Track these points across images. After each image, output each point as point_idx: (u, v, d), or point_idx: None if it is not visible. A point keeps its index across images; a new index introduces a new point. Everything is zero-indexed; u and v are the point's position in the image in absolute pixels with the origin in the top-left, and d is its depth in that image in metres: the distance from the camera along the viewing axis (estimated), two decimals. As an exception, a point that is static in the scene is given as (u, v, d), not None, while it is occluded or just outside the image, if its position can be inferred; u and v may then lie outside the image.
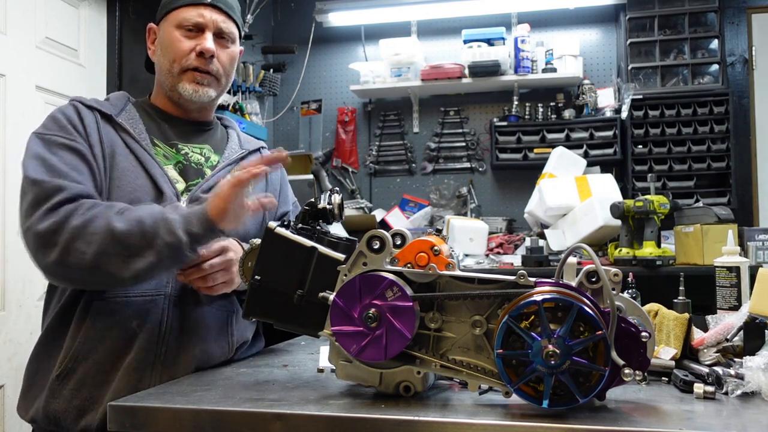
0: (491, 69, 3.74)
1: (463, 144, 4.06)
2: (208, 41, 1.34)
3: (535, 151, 3.72)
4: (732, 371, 0.99)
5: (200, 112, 1.44)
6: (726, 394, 0.95)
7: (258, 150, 1.51)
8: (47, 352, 1.25)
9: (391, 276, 0.93)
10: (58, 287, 1.28)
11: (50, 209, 1.15)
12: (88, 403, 1.19)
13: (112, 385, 1.19)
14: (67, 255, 1.12)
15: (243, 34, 1.47)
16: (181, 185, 1.32)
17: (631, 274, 1.98)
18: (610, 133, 3.62)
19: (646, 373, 0.89)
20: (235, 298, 1.35)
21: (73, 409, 1.19)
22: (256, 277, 1.01)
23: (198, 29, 1.35)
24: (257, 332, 1.46)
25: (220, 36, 1.37)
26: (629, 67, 3.62)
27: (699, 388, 0.95)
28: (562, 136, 3.69)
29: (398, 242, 0.99)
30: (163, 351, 1.22)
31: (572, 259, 0.98)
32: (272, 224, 1.02)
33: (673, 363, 1.08)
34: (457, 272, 0.95)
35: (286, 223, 1.04)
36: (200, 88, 1.36)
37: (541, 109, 3.83)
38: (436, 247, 0.95)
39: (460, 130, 4.08)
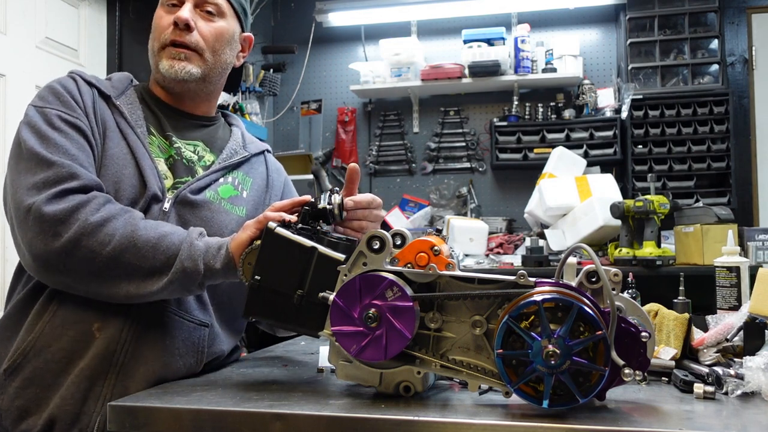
0: (491, 69, 3.74)
1: (463, 144, 4.07)
2: (183, 10, 1.25)
3: (535, 151, 3.72)
4: (732, 371, 0.99)
5: (193, 100, 1.34)
6: (726, 394, 0.95)
7: (262, 153, 1.43)
8: (3, 341, 1.16)
9: (391, 276, 0.93)
10: (25, 272, 1.17)
11: (60, 194, 1.07)
12: (32, 405, 1.10)
13: (60, 390, 1.09)
14: (75, 249, 1.05)
15: (245, 16, 1.38)
16: (169, 181, 1.23)
17: (631, 274, 1.98)
18: (610, 133, 3.62)
19: (646, 373, 0.89)
20: (212, 311, 1.24)
21: (15, 409, 1.10)
22: (256, 277, 1.01)
23: (180, 2, 1.27)
24: (236, 345, 1.36)
25: (203, 8, 1.28)
26: (629, 67, 3.62)
27: (699, 388, 0.95)
28: (562, 136, 3.70)
29: (398, 242, 0.99)
30: (119, 361, 1.11)
31: (572, 259, 0.97)
32: (272, 224, 1.02)
33: (673, 363, 1.08)
34: (457, 272, 0.95)
35: (286, 223, 1.04)
36: (176, 63, 1.26)
37: (541, 109, 3.83)
38: (436, 247, 0.95)
39: (460, 130, 4.08)
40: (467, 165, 4.05)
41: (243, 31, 1.38)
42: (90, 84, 1.24)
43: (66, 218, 1.06)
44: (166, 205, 1.19)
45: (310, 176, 3.71)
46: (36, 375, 1.11)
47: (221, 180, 1.30)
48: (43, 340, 1.11)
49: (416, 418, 0.84)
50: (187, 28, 1.25)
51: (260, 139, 1.52)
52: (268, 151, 1.47)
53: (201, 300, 1.22)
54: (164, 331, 1.16)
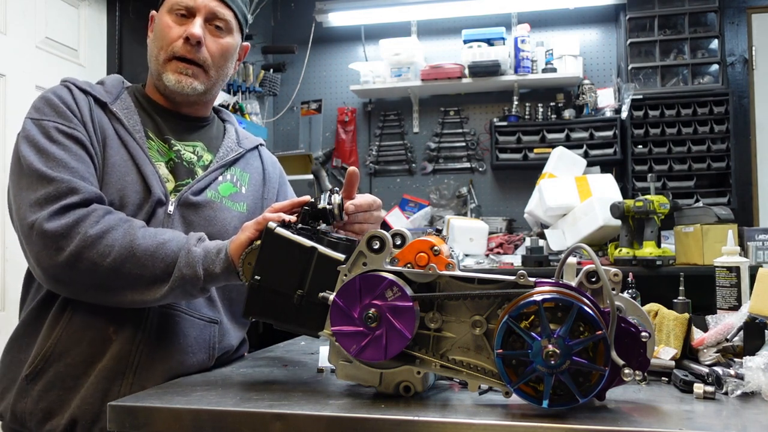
0: (491, 69, 3.74)
1: (463, 144, 4.07)
2: (195, 26, 1.25)
3: (535, 151, 3.72)
4: (732, 371, 0.99)
5: (192, 107, 1.35)
6: (726, 394, 0.95)
7: (256, 147, 1.45)
8: (20, 348, 1.20)
9: (391, 276, 0.93)
10: (35, 279, 1.21)
11: (61, 210, 1.09)
12: (55, 407, 1.14)
13: (81, 391, 1.14)
14: (78, 262, 1.07)
15: (246, 27, 1.40)
16: (170, 184, 1.26)
17: (631, 274, 1.98)
18: (610, 133, 3.62)
19: (646, 373, 0.89)
20: (220, 307, 1.28)
21: (39, 411, 1.15)
22: (256, 277, 1.01)
23: (190, 14, 1.27)
24: (243, 338, 1.40)
25: (212, 23, 1.29)
26: (629, 67, 3.62)
27: (699, 388, 0.95)
28: (562, 136, 3.70)
29: (398, 242, 0.99)
30: (136, 361, 1.16)
31: (572, 259, 0.97)
32: (272, 224, 1.02)
33: (673, 363, 1.08)
34: (457, 272, 0.95)
35: (285, 223, 1.04)
36: (183, 79, 1.27)
37: (541, 109, 3.83)
38: (436, 247, 0.95)
39: (460, 130, 4.08)
40: (467, 165, 4.05)
41: (242, 40, 1.40)
42: (85, 92, 1.24)
43: (67, 233, 1.08)
44: (170, 208, 1.22)
45: (310, 176, 3.71)
46: (58, 378, 1.15)
47: (220, 178, 1.32)
48: (62, 346, 1.16)
49: (416, 418, 0.84)
50: (198, 44, 1.26)
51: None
52: (261, 145, 1.49)
53: (210, 297, 1.26)
54: (177, 330, 1.20)
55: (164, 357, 1.18)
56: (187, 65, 1.27)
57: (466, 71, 3.81)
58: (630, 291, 1.92)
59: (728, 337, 1.13)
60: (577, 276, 0.94)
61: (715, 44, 3.58)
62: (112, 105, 1.26)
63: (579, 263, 0.98)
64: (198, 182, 1.27)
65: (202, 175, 1.29)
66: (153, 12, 1.35)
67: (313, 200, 1.09)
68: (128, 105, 1.29)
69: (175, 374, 1.18)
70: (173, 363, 1.19)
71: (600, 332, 0.84)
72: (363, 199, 1.17)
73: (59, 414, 1.14)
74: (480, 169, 4.04)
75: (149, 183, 1.21)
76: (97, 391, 1.14)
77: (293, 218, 1.06)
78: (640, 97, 3.53)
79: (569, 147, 3.57)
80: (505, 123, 3.83)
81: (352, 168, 1.18)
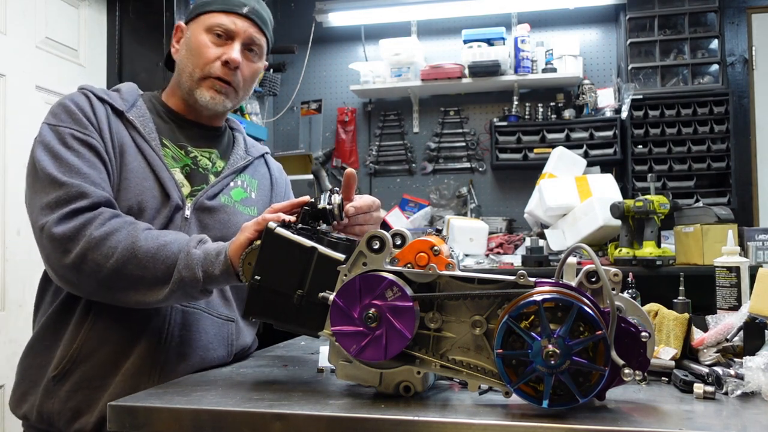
0: (491, 69, 3.74)
1: (463, 144, 4.06)
2: (235, 51, 1.31)
3: (535, 151, 3.72)
4: (732, 371, 0.99)
5: (211, 119, 1.41)
6: (726, 394, 0.95)
7: (262, 156, 1.50)
8: (43, 350, 1.24)
9: (391, 276, 0.93)
10: (51, 283, 1.25)
11: (70, 213, 1.12)
12: (84, 406, 1.18)
13: (108, 389, 1.18)
14: (83, 264, 1.10)
15: (269, 51, 1.44)
16: (186, 189, 1.30)
17: (631, 274, 1.98)
18: (610, 133, 3.62)
19: (646, 373, 0.89)
20: (235, 306, 1.33)
21: (67, 411, 1.18)
22: (256, 277, 1.01)
23: (228, 37, 1.32)
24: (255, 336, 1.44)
25: (249, 48, 1.35)
26: (629, 67, 3.62)
27: (699, 388, 0.95)
28: (562, 136, 3.69)
29: (398, 242, 0.99)
30: (162, 359, 1.21)
31: (572, 259, 0.97)
32: (272, 224, 1.02)
33: (673, 363, 1.08)
34: (457, 272, 0.95)
35: (285, 223, 1.04)
36: (217, 97, 1.33)
37: (541, 109, 3.83)
38: (436, 247, 0.95)
39: (460, 130, 4.08)
40: (467, 165, 4.05)
41: None
42: (102, 100, 1.28)
43: (74, 236, 1.11)
44: (187, 212, 1.27)
45: (310, 176, 3.71)
46: (85, 379, 1.19)
47: (231, 184, 1.38)
48: (89, 347, 1.19)
49: (416, 418, 0.84)
50: (236, 69, 1.32)
51: (259, 139, 1.55)
52: (267, 153, 1.55)
53: (225, 297, 1.31)
54: (198, 327, 1.25)
55: (187, 354, 1.23)
56: (223, 84, 1.32)
57: (466, 71, 3.81)
58: (630, 291, 1.92)
59: (728, 337, 1.13)
60: (577, 276, 0.94)
61: (715, 44, 3.58)
62: (128, 113, 1.30)
63: (579, 263, 0.98)
64: (212, 187, 1.32)
65: (215, 181, 1.34)
66: (180, 23, 1.39)
67: (312, 200, 1.09)
68: (143, 113, 1.33)
69: (197, 371, 1.22)
70: (196, 360, 1.23)
71: (600, 332, 0.84)
72: (362, 200, 1.18)
73: (88, 413, 1.18)
74: (480, 169, 4.03)
75: (167, 188, 1.25)
76: (124, 390, 1.16)
77: (293, 218, 1.06)
78: (640, 97, 3.53)
79: (569, 147, 3.57)
80: (505, 123, 3.83)
81: (349, 170, 1.19)
